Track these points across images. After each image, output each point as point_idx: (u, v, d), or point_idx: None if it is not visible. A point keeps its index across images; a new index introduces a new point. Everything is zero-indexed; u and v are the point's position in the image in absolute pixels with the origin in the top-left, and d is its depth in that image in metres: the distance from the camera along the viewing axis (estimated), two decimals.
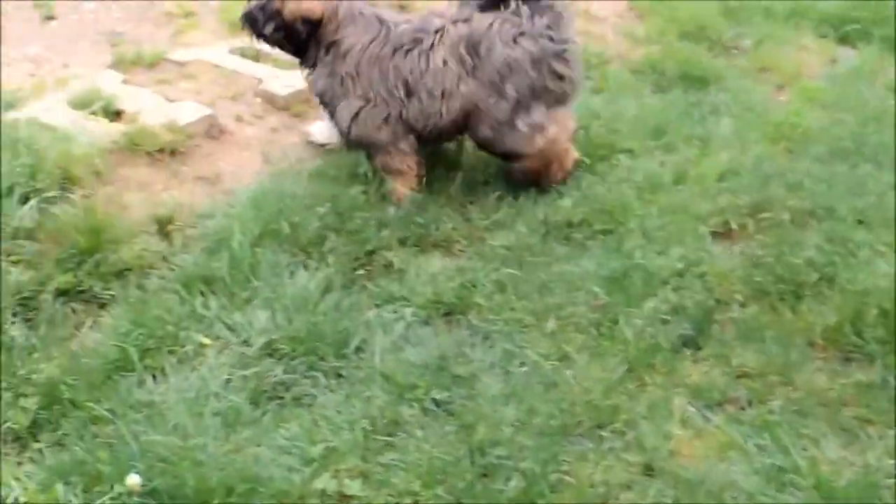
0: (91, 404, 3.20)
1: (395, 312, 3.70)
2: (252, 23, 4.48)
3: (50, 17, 5.91)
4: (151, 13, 6.04)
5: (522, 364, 3.48)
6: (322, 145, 4.75)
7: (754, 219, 4.26)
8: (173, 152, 4.51)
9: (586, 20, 6.33)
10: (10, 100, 4.73)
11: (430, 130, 4.40)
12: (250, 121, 4.93)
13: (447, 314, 3.75)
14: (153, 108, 4.74)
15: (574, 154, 4.51)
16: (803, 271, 3.88)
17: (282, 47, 4.58)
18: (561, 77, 4.34)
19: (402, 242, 4.07)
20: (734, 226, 4.23)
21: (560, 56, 4.32)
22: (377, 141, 4.38)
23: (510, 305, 3.75)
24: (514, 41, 4.26)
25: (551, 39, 4.29)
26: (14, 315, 3.54)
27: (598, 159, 4.65)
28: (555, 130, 4.37)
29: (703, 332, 3.65)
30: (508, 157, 4.44)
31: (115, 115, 4.68)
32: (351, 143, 4.50)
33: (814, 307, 3.74)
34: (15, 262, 3.73)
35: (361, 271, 3.94)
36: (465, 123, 4.38)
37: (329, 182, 4.34)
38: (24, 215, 3.84)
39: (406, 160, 4.40)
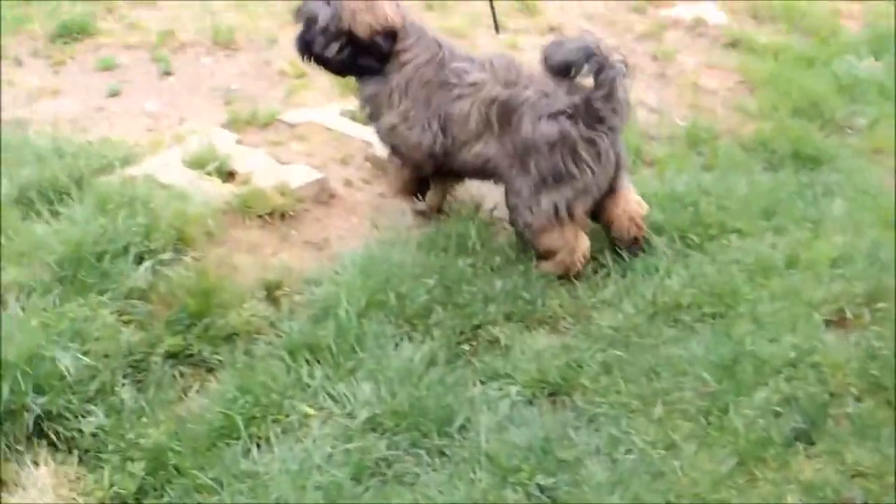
0: (196, 472, 3.22)
1: (500, 390, 3.67)
2: (307, 46, 4.50)
3: (167, 73, 6.03)
4: (265, 71, 6.14)
5: (629, 451, 3.42)
6: None
7: (870, 308, 4.15)
8: (283, 216, 4.55)
9: (695, 93, 6.30)
10: (127, 155, 4.81)
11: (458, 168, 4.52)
12: (359, 186, 4.95)
13: (552, 394, 3.71)
14: (266, 169, 4.79)
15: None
16: None
17: (345, 69, 4.58)
18: (586, 162, 4.20)
19: (509, 318, 4.04)
20: (849, 314, 4.12)
21: (589, 141, 4.20)
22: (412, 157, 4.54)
23: (616, 388, 3.69)
24: (539, 119, 4.20)
25: (584, 123, 4.19)
26: (124, 377, 3.56)
27: (707, 238, 4.58)
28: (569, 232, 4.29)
29: (817, 426, 3.55)
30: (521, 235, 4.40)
31: (228, 175, 4.74)
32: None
33: None
34: (126, 323, 3.76)
35: (466, 346, 3.91)
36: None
37: (437, 252, 4.32)
38: (139, 276, 3.88)
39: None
